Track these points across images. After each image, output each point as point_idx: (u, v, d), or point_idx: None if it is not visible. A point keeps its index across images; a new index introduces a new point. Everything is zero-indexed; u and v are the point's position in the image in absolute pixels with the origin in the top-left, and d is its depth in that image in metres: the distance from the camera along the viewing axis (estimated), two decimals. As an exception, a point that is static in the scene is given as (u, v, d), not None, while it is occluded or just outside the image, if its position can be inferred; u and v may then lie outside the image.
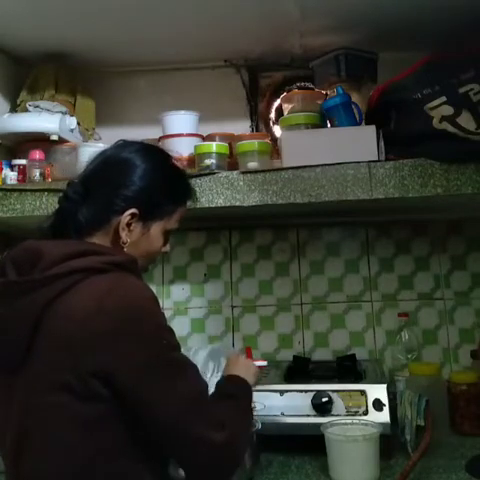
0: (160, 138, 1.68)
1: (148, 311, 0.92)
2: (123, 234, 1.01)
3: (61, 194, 1.07)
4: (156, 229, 1.06)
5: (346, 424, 1.33)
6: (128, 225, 1.01)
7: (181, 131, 1.64)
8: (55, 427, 0.89)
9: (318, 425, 1.32)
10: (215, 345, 1.81)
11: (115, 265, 0.95)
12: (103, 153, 1.09)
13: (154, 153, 1.10)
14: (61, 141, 1.67)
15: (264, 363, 1.53)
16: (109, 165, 1.06)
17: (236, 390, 1.06)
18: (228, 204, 1.45)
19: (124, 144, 1.10)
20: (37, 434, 0.90)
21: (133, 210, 1.01)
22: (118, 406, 0.89)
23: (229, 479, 0.99)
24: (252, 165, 1.49)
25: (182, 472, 0.97)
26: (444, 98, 1.35)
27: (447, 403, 1.57)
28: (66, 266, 0.91)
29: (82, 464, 0.89)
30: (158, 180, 1.06)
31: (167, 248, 1.12)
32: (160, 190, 1.06)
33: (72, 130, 1.69)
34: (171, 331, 0.95)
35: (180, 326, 1.91)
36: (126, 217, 1.01)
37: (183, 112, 1.67)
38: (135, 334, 0.89)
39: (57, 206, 1.08)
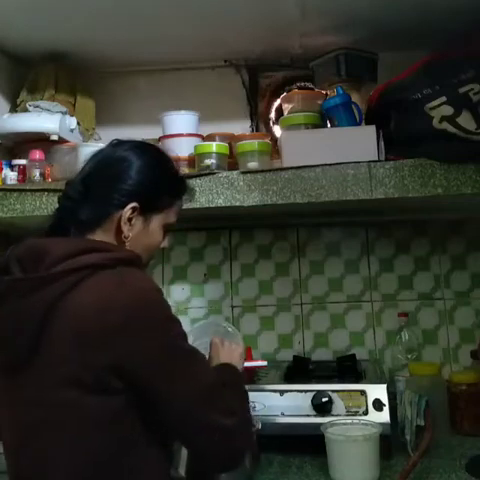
0: (160, 138, 1.68)
1: (156, 303, 0.94)
2: (125, 228, 1.02)
3: (60, 193, 1.09)
4: (156, 223, 1.07)
5: (346, 424, 1.33)
6: (129, 220, 1.03)
7: (181, 131, 1.64)
8: (64, 422, 0.89)
9: (318, 425, 1.32)
10: (197, 324, 1.78)
11: (120, 261, 0.96)
12: (98, 153, 1.10)
13: (147, 149, 1.12)
14: (61, 141, 1.67)
15: (264, 363, 1.54)
16: (105, 164, 1.08)
17: (231, 378, 1.09)
18: (228, 204, 1.45)
19: (118, 143, 1.12)
20: (45, 430, 0.90)
21: (134, 204, 1.02)
22: (132, 399, 0.90)
23: (240, 463, 1.03)
24: (252, 165, 1.49)
25: (182, 472, 0.98)
26: (444, 98, 1.35)
27: (447, 403, 1.57)
28: (72, 263, 0.92)
29: (93, 459, 0.89)
30: (154, 173, 1.08)
31: (166, 243, 1.13)
32: (157, 183, 1.08)
33: (72, 130, 1.69)
34: (179, 322, 0.97)
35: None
36: (128, 211, 1.02)
37: (183, 112, 1.67)
38: (146, 326, 0.90)
39: (57, 206, 1.09)
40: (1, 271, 0.96)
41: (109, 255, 0.97)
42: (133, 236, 1.04)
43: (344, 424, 1.33)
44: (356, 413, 1.39)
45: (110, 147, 1.11)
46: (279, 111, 1.89)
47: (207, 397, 0.94)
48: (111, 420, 0.90)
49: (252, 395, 1.43)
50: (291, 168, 1.43)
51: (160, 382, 0.91)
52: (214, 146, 1.53)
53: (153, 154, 1.12)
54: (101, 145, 1.61)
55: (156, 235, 1.09)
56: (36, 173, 1.57)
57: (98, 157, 1.09)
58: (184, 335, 0.97)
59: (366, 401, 1.39)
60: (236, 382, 1.10)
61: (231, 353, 1.18)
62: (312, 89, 1.84)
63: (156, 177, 1.08)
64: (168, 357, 0.92)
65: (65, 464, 0.90)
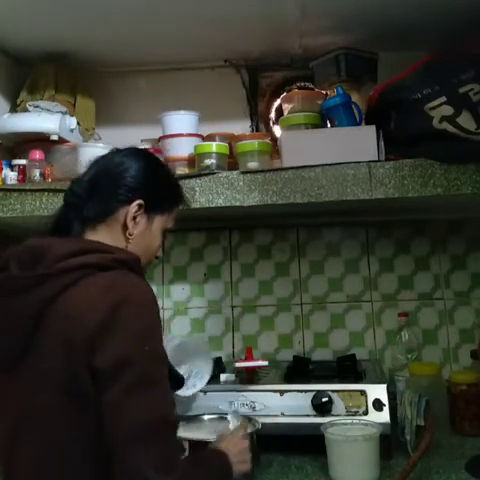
0: (160, 138, 1.68)
1: (144, 312, 0.92)
2: (130, 225, 1.04)
3: (67, 189, 1.10)
4: (157, 224, 1.09)
5: (346, 424, 1.33)
6: (134, 217, 1.04)
7: (181, 131, 1.64)
8: (45, 426, 0.89)
9: (318, 425, 1.32)
10: (186, 339, 1.76)
11: (119, 263, 0.97)
12: (101, 158, 1.12)
13: (148, 153, 1.18)
14: (61, 141, 1.67)
15: (264, 363, 1.54)
16: (110, 164, 1.09)
17: (218, 465, 1.00)
18: (228, 204, 1.45)
19: (118, 149, 1.14)
20: (27, 433, 0.90)
21: (140, 201, 1.04)
22: (97, 406, 0.87)
23: None
24: (252, 165, 1.49)
25: None
26: (444, 98, 1.35)
27: (447, 403, 1.57)
28: (69, 263, 0.93)
29: (69, 463, 0.89)
30: (157, 174, 1.12)
31: (160, 252, 1.15)
32: (160, 183, 1.12)
33: (72, 130, 1.69)
34: (160, 339, 0.93)
35: (180, 326, 1.91)
36: (134, 207, 1.04)
37: (183, 112, 1.67)
38: (124, 332, 0.88)
39: (58, 205, 1.11)
40: (1, 269, 0.97)
41: (108, 256, 0.97)
42: (136, 234, 1.05)
43: (344, 424, 1.33)
44: (356, 413, 1.39)
45: (112, 153, 1.13)
46: (279, 111, 1.89)
47: (148, 434, 0.84)
48: (85, 427, 0.88)
49: (252, 395, 1.44)
50: (291, 168, 1.43)
51: (111, 393, 0.85)
52: (214, 146, 1.53)
53: (154, 158, 1.16)
54: (101, 145, 1.64)
55: (156, 237, 1.10)
56: (36, 173, 1.57)
57: (102, 161, 1.11)
58: (160, 357, 0.93)
59: (366, 401, 1.39)
60: (220, 470, 0.99)
61: (240, 454, 1.07)
62: (312, 89, 1.84)
63: (159, 178, 1.12)
64: (134, 371, 0.86)
65: (37, 467, 0.89)
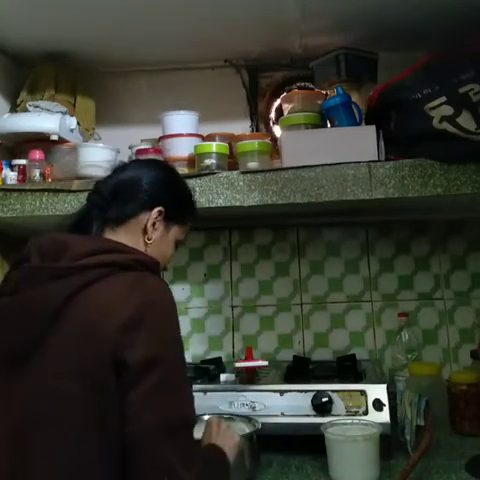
0: (160, 138, 1.68)
1: (170, 313, 0.95)
2: (150, 230, 1.08)
3: (92, 189, 1.14)
4: (173, 234, 1.14)
5: (346, 424, 1.33)
6: (154, 223, 1.09)
7: (181, 131, 1.64)
8: (62, 418, 0.87)
9: (318, 425, 1.32)
10: None
11: (141, 264, 0.99)
12: (126, 164, 1.18)
13: (170, 166, 1.26)
14: (61, 141, 1.67)
15: (264, 363, 1.54)
16: (134, 172, 1.14)
17: (216, 460, 1.02)
18: (228, 204, 1.45)
19: (142, 160, 1.25)
20: (41, 424, 0.88)
21: (160, 208, 1.09)
22: (114, 402, 0.87)
23: None
24: (252, 165, 1.49)
25: None
26: (444, 98, 1.35)
27: (447, 403, 1.57)
28: (94, 259, 0.94)
29: (84, 462, 0.87)
30: (178, 185, 1.18)
31: (169, 264, 1.20)
32: (180, 194, 1.17)
33: (72, 130, 1.69)
34: (182, 343, 0.96)
35: (180, 326, 1.91)
36: (155, 213, 1.08)
37: (183, 112, 1.67)
38: (155, 332, 0.90)
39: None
40: (22, 260, 0.98)
41: (130, 256, 0.99)
42: (155, 239, 1.09)
43: (344, 424, 1.33)
44: (356, 413, 1.39)
45: (136, 162, 1.24)
46: (279, 111, 1.89)
47: (172, 430, 0.87)
48: (104, 421, 0.87)
49: (252, 395, 1.44)
50: (291, 168, 1.43)
51: (142, 391, 0.86)
52: (214, 146, 1.53)
53: (174, 169, 1.23)
54: (101, 145, 1.64)
55: (170, 247, 1.15)
56: (36, 173, 1.57)
57: (127, 167, 1.17)
58: (183, 357, 0.96)
59: (366, 401, 1.39)
60: (220, 465, 1.02)
61: (226, 440, 1.09)
62: (312, 89, 1.84)
63: (178, 189, 1.18)
64: (162, 371, 0.88)
65: (53, 463, 0.86)
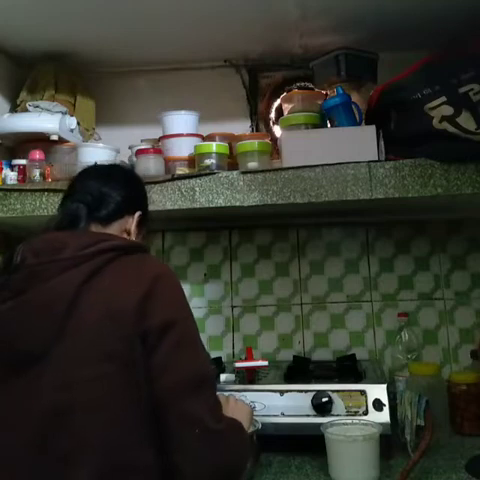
0: (160, 138, 1.68)
1: (176, 283, 1.03)
2: (134, 232, 1.15)
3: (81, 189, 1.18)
4: (143, 235, 1.21)
5: (346, 424, 1.33)
6: (137, 226, 1.16)
7: (181, 131, 1.64)
8: (102, 399, 0.90)
9: (318, 425, 1.32)
10: None
11: (136, 247, 1.07)
12: (114, 166, 1.26)
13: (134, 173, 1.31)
14: (61, 141, 1.67)
15: (264, 363, 1.54)
16: (122, 176, 1.21)
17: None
18: (228, 204, 1.45)
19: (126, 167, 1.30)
20: (80, 408, 0.89)
21: (140, 212, 1.17)
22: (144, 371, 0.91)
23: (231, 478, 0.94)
24: (252, 165, 1.49)
25: None
26: (444, 98, 1.35)
27: (447, 403, 1.57)
28: (95, 248, 0.98)
29: (130, 430, 0.90)
30: (145, 192, 1.25)
31: None
32: (146, 200, 1.25)
33: (72, 130, 1.69)
34: (191, 309, 1.02)
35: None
36: (137, 217, 1.16)
37: (183, 112, 1.67)
38: (166, 299, 0.97)
39: (58, 205, 1.17)
40: (14, 265, 0.99)
41: (126, 242, 1.08)
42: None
43: (344, 424, 1.33)
44: (356, 413, 1.39)
45: (122, 167, 1.29)
46: (279, 111, 1.90)
47: (197, 385, 0.92)
48: (140, 394, 0.91)
49: (252, 395, 1.44)
50: (291, 168, 1.43)
51: (164, 350, 0.91)
52: (214, 146, 1.53)
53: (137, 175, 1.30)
54: (101, 145, 1.64)
55: None
56: (36, 173, 1.57)
57: (115, 168, 1.24)
58: (193, 318, 1.02)
59: (366, 401, 1.39)
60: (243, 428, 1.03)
61: (239, 412, 1.09)
62: (312, 89, 1.84)
63: (145, 195, 1.25)
64: (178, 330, 0.94)
65: (102, 445, 0.88)
